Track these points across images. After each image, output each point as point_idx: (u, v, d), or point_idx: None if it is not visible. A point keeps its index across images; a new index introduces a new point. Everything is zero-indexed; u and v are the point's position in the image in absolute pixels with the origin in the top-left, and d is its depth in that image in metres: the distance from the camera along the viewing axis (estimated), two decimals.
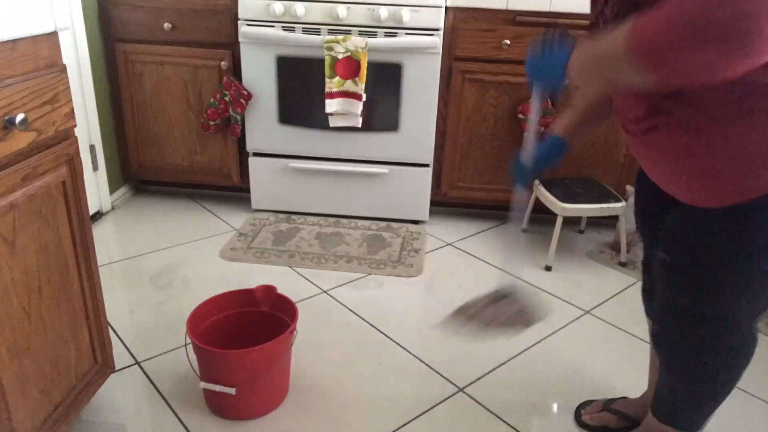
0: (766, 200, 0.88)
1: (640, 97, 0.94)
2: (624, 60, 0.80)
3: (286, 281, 2.01)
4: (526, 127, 1.25)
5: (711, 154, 0.89)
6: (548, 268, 2.16)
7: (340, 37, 2.15)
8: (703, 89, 0.85)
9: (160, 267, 2.07)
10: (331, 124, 2.26)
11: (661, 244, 1.06)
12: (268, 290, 1.52)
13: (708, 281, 1.00)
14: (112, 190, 2.53)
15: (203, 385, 1.36)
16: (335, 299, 1.92)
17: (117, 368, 1.46)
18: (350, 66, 2.17)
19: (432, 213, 2.54)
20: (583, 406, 1.48)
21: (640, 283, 2.10)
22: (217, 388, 1.33)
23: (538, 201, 2.30)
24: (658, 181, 1.02)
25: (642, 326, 1.85)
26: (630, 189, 2.29)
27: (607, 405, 1.45)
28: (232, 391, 1.32)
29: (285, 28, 2.21)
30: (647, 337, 1.78)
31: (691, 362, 1.12)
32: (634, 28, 0.78)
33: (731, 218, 0.92)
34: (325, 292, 1.96)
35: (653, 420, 1.24)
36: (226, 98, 2.31)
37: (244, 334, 1.51)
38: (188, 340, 1.37)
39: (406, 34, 2.19)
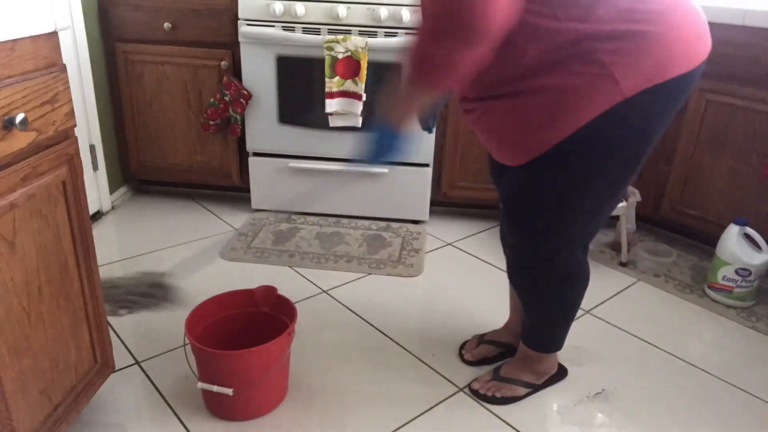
0: (555, 151, 1.12)
1: (466, 89, 1.21)
2: (416, 87, 1.09)
3: (286, 281, 2.01)
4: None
5: (504, 128, 1.17)
6: None
7: (340, 36, 2.15)
8: (487, 85, 1.13)
9: (160, 267, 2.07)
10: (330, 124, 2.26)
11: (501, 192, 1.34)
12: (269, 291, 1.52)
13: (531, 223, 1.27)
14: (112, 190, 2.53)
15: (201, 385, 1.36)
16: (335, 299, 1.92)
17: (117, 368, 1.46)
18: (350, 66, 2.17)
19: (432, 213, 2.54)
20: (462, 347, 1.69)
21: (640, 283, 2.11)
22: (215, 388, 1.33)
23: None
24: (488, 149, 1.31)
25: (641, 325, 1.85)
26: (630, 189, 2.29)
27: (481, 339, 1.68)
28: (229, 391, 1.32)
29: (285, 28, 2.21)
30: (646, 337, 1.79)
31: (536, 293, 1.41)
32: (410, 64, 1.07)
33: (532, 170, 1.18)
34: (325, 292, 1.96)
35: (523, 347, 1.53)
36: (226, 98, 2.31)
37: (244, 334, 1.51)
38: (187, 341, 1.37)
39: (407, 33, 2.19)
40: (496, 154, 1.25)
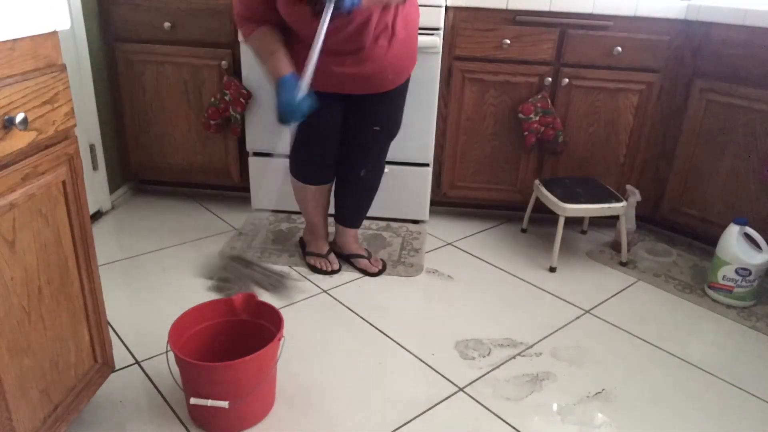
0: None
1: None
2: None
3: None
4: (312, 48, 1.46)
5: (401, 60, 1.75)
6: (552, 270, 2.16)
7: None
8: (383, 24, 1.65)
9: (161, 267, 2.07)
10: None
11: (374, 122, 1.87)
12: (248, 298, 1.49)
13: (398, 128, 1.96)
14: (112, 190, 2.53)
15: (194, 400, 1.30)
16: (335, 299, 1.92)
17: (117, 368, 1.46)
18: None
19: (432, 213, 2.54)
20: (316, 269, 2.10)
21: (640, 283, 2.11)
22: (209, 402, 1.29)
23: (538, 201, 2.30)
24: (373, 90, 1.78)
25: (641, 325, 1.85)
26: (630, 189, 2.29)
27: (328, 253, 2.13)
28: (225, 404, 1.28)
29: None
30: (647, 337, 1.79)
31: (378, 181, 2.05)
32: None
33: (401, 89, 1.86)
34: (325, 291, 1.96)
35: (344, 229, 2.11)
36: (227, 98, 2.31)
37: (225, 344, 1.48)
38: (169, 348, 1.34)
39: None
40: (387, 83, 1.77)
